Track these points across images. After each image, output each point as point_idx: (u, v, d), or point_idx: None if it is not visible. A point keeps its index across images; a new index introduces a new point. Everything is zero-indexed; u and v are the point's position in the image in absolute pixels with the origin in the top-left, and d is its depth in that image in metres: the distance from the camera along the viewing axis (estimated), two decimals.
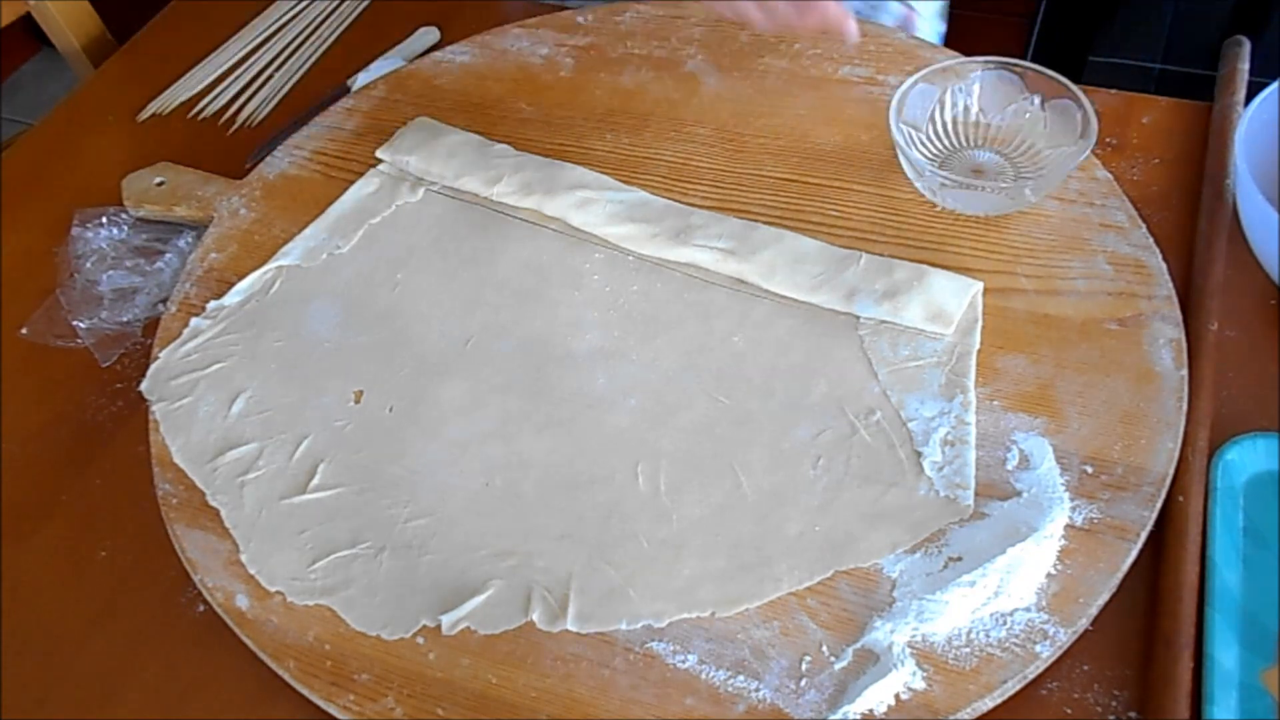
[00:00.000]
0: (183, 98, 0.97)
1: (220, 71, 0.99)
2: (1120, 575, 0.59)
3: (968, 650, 0.57)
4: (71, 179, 0.91)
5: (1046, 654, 0.56)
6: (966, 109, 0.78)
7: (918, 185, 0.75)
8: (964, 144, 0.78)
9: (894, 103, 0.75)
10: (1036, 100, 0.76)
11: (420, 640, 0.60)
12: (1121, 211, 0.74)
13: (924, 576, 0.59)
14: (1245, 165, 0.69)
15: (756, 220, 0.76)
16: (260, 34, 1.02)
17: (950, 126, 0.78)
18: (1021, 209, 0.75)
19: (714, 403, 0.68)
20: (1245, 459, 0.63)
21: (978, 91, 0.78)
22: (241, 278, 0.78)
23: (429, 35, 0.99)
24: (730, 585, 0.60)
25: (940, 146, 0.78)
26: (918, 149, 0.76)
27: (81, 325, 0.78)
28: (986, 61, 0.78)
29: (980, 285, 0.71)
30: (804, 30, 0.73)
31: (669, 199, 0.78)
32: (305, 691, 0.59)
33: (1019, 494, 0.62)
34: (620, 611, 0.60)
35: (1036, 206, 0.75)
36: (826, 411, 0.66)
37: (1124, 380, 0.66)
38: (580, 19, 0.93)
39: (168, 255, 0.82)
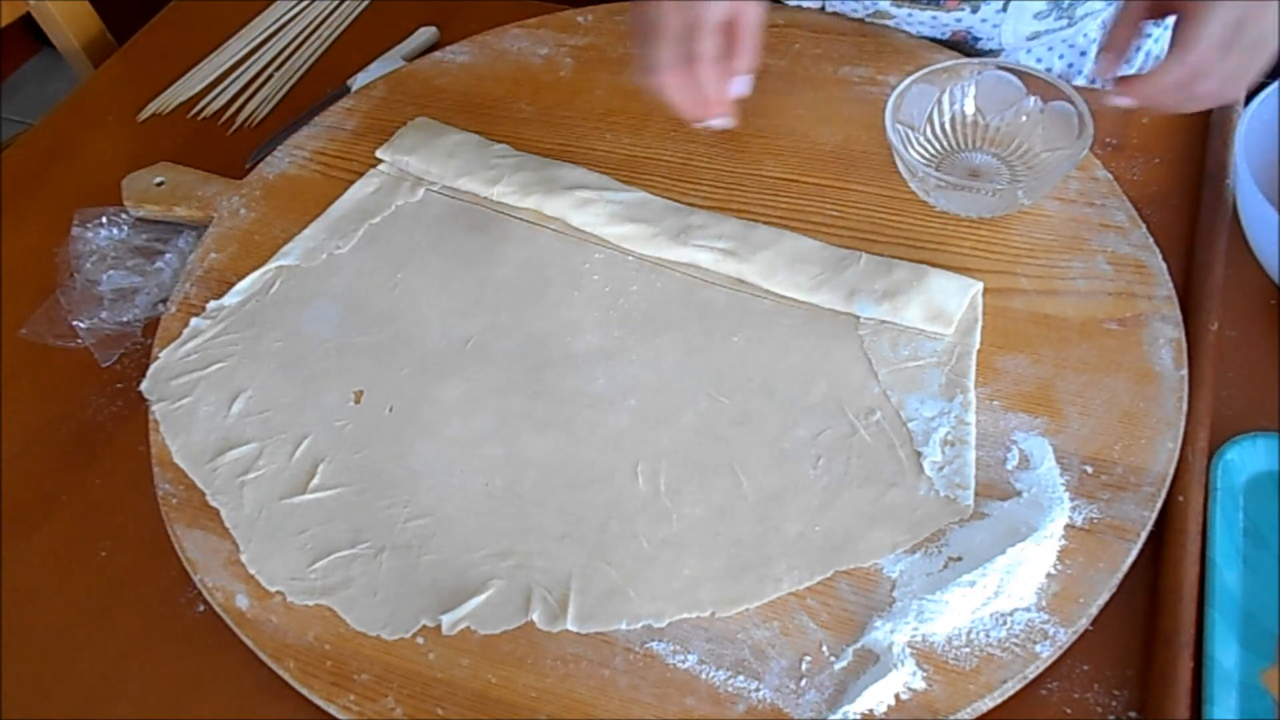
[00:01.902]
0: (183, 98, 0.97)
1: (220, 71, 0.99)
2: (1120, 575, 0.59)
3: (968, 650, 0.57)
4: (71, 179, 0.91)
5: (1046, 654, 0.56)
6: (964, 110, 0.78)
7: (912, 185, 0.75)
8: (961, 145, 0.78)
9: (890, 102, 0.75)
10: (1034, 102, 0.76)
11: (420, 640, 0.60)
12: (1121, 211, 0.74)
13: (924, 576, 0.59)
14: (1245, 165, 0.69)
15: (756, 220, 0.76)
16: (260, 34, 1.02)
17: (947, 127, 0.78)
18: (1016, 210, 0.75)
19: (714, 403, 0.68)
20: (1245, 459, 0.63)
21: (975, 92, 0.78)
22: (241, 278, 0.78)
23: (428, 35, 0.99)
24: (730, 585, 0.60)
25: (937, 148, 0.78)
26: (914, 149, 0.76)
27: (81, 325, 0.78)
28: (984, 63, 0.78)
29: (980, 285, 0.71)
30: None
31: (669, 199, 0.78)
32: (305, 691, 0.59)
33: (1019, 494, 0.62)
34: (620, 611, 0.60)
35: (1036, 206, 0.75)
36: (826, 411, 0.66)
37: (1124, 380, 0.66)
38: (580, 19, 0.93)
39: (168, 255, 0.82)
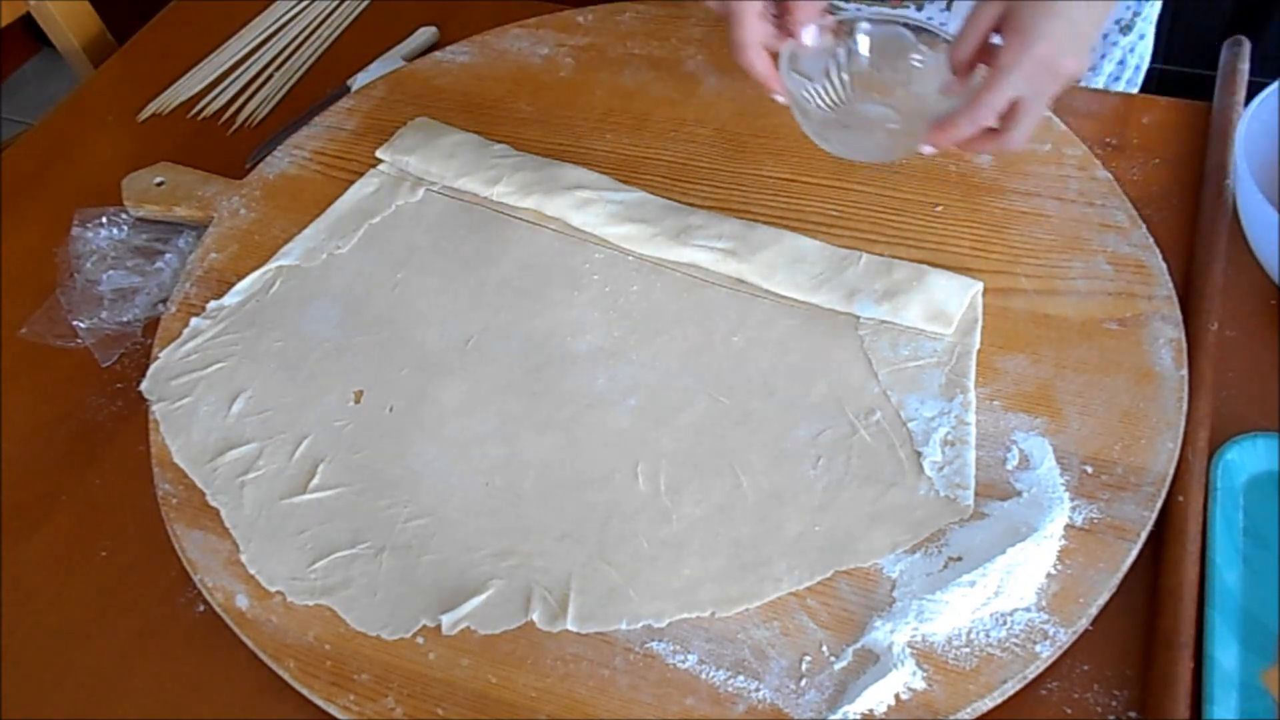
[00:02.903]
0: (183, 98, 0.97)
1: (220, 71, 0.99)
2: (1120, 575, 0.59)
3: (968, 650, 0.57)
4: (71, 179, 0.91)
5: (1046, 654, 0.56)
6: (857, 61, 0.78)
7: (806, 130, 0.75)
8: (855, 96, 0.78)
9: (785, 54, 0.74)
10: (926, 52, 0.75)
11: (420, 640, 0.60)
12: (1121, 211, 0.74)
13: (924, 576, 0.59)
14: (1245, 165, 0.69)
15: (756, 220, 0.76)
16: (260, 34, 1.02)
17: (844, 78, 0.78)
18: (909, 156, 0.75)
19: (714, 403, 0.68)
20: (1245, 459, 0.63)
21: (868, 44, 0.77)
22: (241, 278, 0.78)
23: (428, 35, 0.99)
24: (730, 585, 0.60)
25: (833, 99, 0.78)
26: (812, 99, 0.77)
27: (81, 325, 0.78)
28: (876, 14, 0.78)
29: (980, 285, 0.71)
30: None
31: (669, 199, 0.78)
32: (305, 691, 0.59)
33: (1019, 494, 0.62)
34: (620, 611, 0.60)
35: (1036, 206, 0.75)
36: (826, 411, 0.66)
37: (1124, 380, 0.66)
38: (580, 19, 0.93)
39: (168, 255, 0.82)
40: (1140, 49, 0.98)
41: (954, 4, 0.88)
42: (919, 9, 0.88)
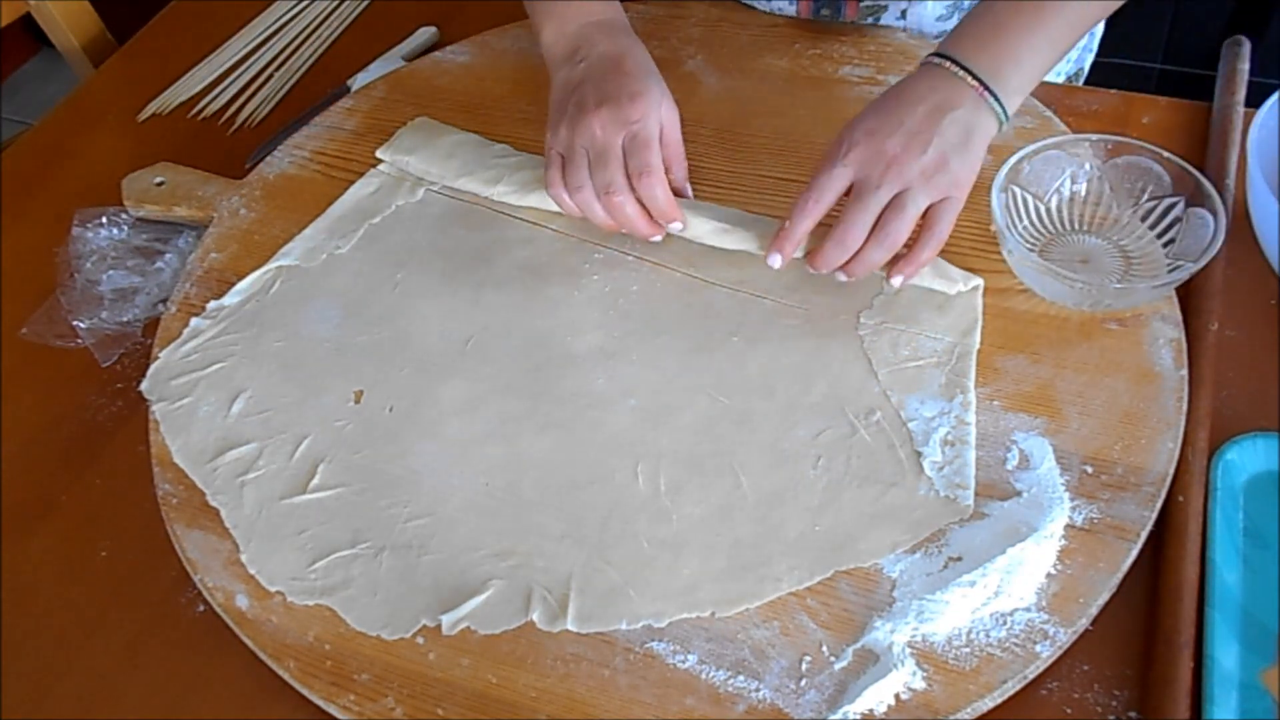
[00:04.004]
0: (183, 98, 0.97)
1: (220, 71, 0.99)
2: (1120, 575, 0.59)
3: (968, 650, 0.57)
4: (71, 179, 0.91)
5: (1046, 654, 0.56)
6: (1092, 192, 0.73)
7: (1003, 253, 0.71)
8: (1074, 227, 0.74)
9: (1007, 165, 0.70)
10: (1178, 202, 0.70)
11: (420, 640, 0.60)
12: None
13: (924, 576, 0.59)
14: (1258, 165, 0.68)
15: None
16: (260, 34, 1.02)
17: (1065, 207, 0.74)
18: (1110, 309, 0.69)
19: (714, 402, 0.68)
20: (1245, 459, 0.63)
21: (1110, 176, 0.72)
22: (241, 278, 0.78)
23: (428, 35, 0.99)
24: (730, 585, 0.60)
25: (1049, 226, 0.74)
26: (1029, 218, 0.73)
27: (81, 325, 0.78)
28: (1124, 143, 0.72)
29: (980, 282, 0.71)
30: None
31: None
32: (305, 691, 0.59)
33: (1019, 494, 0.62)
34: (620, 611, 0.60)
35: None
36: (826, 411, 0.66)
37: (1124, 380, 0.66)
38: None
39: (168, 255, 0.82)
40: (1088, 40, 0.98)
41: (908, 12, 0.88)
42: (876, 19, 0.89)
